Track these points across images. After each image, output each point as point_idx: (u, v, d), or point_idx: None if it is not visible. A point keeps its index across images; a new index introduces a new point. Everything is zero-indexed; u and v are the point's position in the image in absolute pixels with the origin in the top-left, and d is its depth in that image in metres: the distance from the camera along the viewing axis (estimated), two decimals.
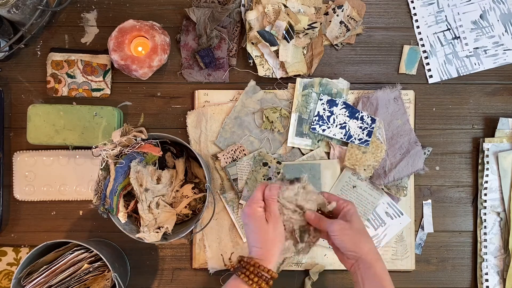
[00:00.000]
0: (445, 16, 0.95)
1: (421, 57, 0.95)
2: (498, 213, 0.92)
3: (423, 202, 0.94)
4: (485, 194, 0.92)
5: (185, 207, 0.89)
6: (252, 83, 0.93)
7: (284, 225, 0.69)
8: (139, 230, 0.83)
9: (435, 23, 0.95)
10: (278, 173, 0.91)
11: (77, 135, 0.90)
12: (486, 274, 0.92)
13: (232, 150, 0.92)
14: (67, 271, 0.82)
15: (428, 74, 0.95)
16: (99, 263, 0.84)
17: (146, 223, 0.84)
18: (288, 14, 0.89)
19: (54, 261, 0.84)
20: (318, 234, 0.71)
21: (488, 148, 0.92)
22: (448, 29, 0.95)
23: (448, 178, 0.94)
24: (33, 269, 0.83)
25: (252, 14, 0.91)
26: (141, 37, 0.90)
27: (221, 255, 0.92)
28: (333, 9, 0.94)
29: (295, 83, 0.93)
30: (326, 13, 0.94)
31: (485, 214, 0.92)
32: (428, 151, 0.93)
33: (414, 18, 0.95)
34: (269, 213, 0.68)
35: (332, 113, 0.92)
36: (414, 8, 0.95)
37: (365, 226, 0.71)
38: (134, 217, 0.88)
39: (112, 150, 0.81)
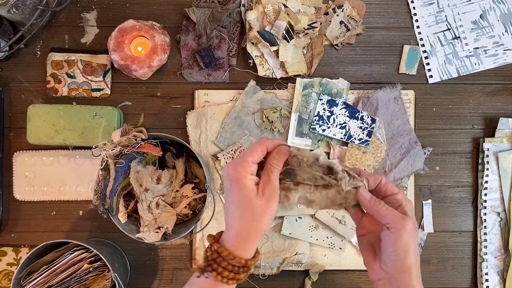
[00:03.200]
0: (445, 16, 0.95)
1: (421, 57, 0.95)
2: (498, 213, 0.92)
3: (423, 202, 0.94)
4: (485, 194, 0.92)
5: (185, 207, 0.89)
6: (252, 83, 0.93)
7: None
8: (139, 230, 0.83)
9: (435, 23, 0.95)
10: None
11: (77, 135, 0.90)
12: (486, 274, 0.92)
13: (232, 150, 0.92)
14: (67, 271, 0.83)
15: (428, 74, 0.95)
16: (99, 263, 0.84)
17: (146, 223, 0.84)
18: (288, 14, 0.89)
19: (54, 261, 0.84)
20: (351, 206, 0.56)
21: (488, 148, 0.92)
22: (448, 29, 0.95)
23: (448, 178, 0.94)
24: (33, 269, 0.83)
25: (252, 14, 0.91)
26: (141, 37, 0.90)
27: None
28: (333, 9, 0.94)
29: (295, 83, 0.93)
30: (326, 13, 0.94)
31: (485, 214, 0.92)
32: (428, 151, 0.93)
33: (414, 18, 0.95)
34: (266, 185, 0.52)
35: (332, 113, 0.92)
36: (414, 8, 0.95)
37: None
38: (134, 217, 0.88)
39: (112, 150, 0.81)
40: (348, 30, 0.93)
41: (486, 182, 0.92)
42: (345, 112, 0.92)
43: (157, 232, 0.84)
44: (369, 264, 0.57)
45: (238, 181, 0.52)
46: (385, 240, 0.54)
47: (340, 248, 0.92)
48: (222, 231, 0.57)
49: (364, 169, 0.55)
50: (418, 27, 0.95)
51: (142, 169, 0.82)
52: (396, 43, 0.95)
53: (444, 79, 0.95)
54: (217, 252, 0.53)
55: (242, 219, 0.53)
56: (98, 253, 0.81)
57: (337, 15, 0.93)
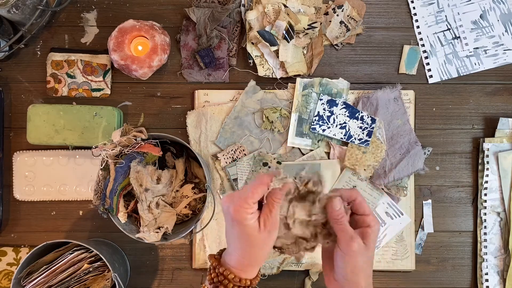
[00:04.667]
0: (445, 16, 0.95)
1: (421, 57, 0.95)
2: (498, 213, 0.92)
3: (423, 202, 0.94)
4: (485, 194, 0.92)
5: (185, 207, 0.89)
6: (252, 83, 0.93)
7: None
8: (139, 230, 0.83)
9: (435, 23, 0.95)
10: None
11: (77, 135, 0.90)
12: (486, 274, 0.92)
13: (232, 150, 0.92)
14: (67, 271, 0.83)
15: (428, 74, 0.95)
16: (99, 263, 0.84)
17: (146, 223, 0.84)
18: (288, 14, 0.89)
19: (54, 261, 0.84)
20: (320, 239, 0.59)
21: (488, 148, 0.92)
22: (448, 29, 0.95)
23: (448, 178, 0.94)
24: (33, 269, 0.83)
25: (252, 14, 0.91)
26: (141, 37, 0.90)
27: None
28: (333, 9, 0.94)
29: (295, 83, 0.93)
30: (326, 13, 0.94)
31: (485, 214, 0.92)
32: (428, 151, 0.93)
33: (414, 18, 0.95)
34: (267, 219, 0.55)
35: (332, 113, 0.92)
36: (414, 8, 0.95)
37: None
38: (134, 217, 0.88)
39: (112, 150, 0.81)
40: (348, 30, 0.93)
41: (486, 182, 0.92)
42: (345, 112, 0.92)
43: (157, 232, 0.83)
44: (326, 273, 0.60)
45: (240, 222, 0.54)
46: (336, 255, 0.57)
47: None
48: (222, 250, 0.60)
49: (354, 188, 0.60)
50: (418, 27, 0.95)
51: (142, 169, 0.82)
52: (396, 43, 0.95)
53: (444, 79, 0.95)
54: (223, 275, 0.56)
55: (245, 250, 0.56)
56: (98, 253, 0.81)
57: (337, 15, 0.93)
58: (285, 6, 0.90)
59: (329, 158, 0.93)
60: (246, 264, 0.56)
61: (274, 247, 0.60)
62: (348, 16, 0.93)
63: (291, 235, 0.59)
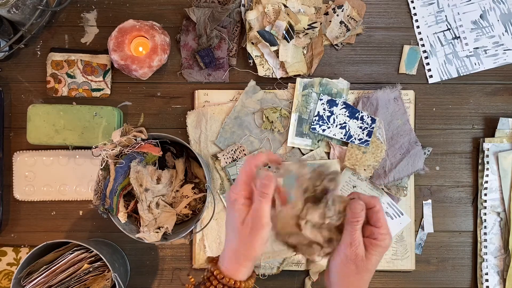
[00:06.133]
0: (445, 16, 0.95)
1: (421, 57, 0.95)
2: (498, 213, 0.92)
3: (423, 202, 0.94)
4: (485, 194, 0.92)
5: (185, 207, 0.89)
6: (252, 83, 0.93)
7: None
8: (139, 230, 0.83)
9: (435, 23, 0.95)
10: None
11: (77, 135, 0.90)
12: (486, 274, 0.92)
13: (232, 150, 0.92)
14: (67, 271, 0.83)
15: (428, 74, 0.95)
16: (99, 263, 0.84)
17: (146, 223, 0.84)
18: (288, 14, 0.89)
19: (54, 261, 0.84)
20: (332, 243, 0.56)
21: (488, 148, 0.92)
22: (448, 29, 0.95)
23: (448, 178, 0.94)
24: (33, 269, 0.83)
25: (252, 14, 0.91)
26: (141, 37, 0.90)
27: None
28: (333, 9, 0.94)
29: (295, 83, 0.93)
30: (326, 13, 0.94)
31: (485, 214, 0.92)
32: (428, 151, 0.93)
33: (414, 18, 0.95)
34: (250, 214, 0.52)
35: (332, 113, 0.92)
36: (414, 8, 0.95)
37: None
38: (134, 217, 0.88)
39: (112, 150, 0.81)
40: (348, 30, 0.93)
41: (486, 182, 0.92)
42: (345, 112, 0.92)
43: (157, 232, 0.84)
44: (326, 268, 0.59)
45: (230, 205, 0.54)
46: (333, 255, 0.56)
47: None
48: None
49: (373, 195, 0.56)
50: (418, 27, 0.95)
51: (142, 169, 0.82)
52: (396, 43, 0.95)
53: (444, 79, 0.95)
54: (211, 271, 0.55)
55: (233, 242, 0.54)
56: (98, 253, 0.81)
57: (337, 15, 0.93)
58: (285, 6, 0.90)
59: (329, 158, 0.93)
60: (232, 261, 0.54)
61: (289, 245, 0.58)
62: (348, 16, 0.93)
63: (304, 236, 0.56)
